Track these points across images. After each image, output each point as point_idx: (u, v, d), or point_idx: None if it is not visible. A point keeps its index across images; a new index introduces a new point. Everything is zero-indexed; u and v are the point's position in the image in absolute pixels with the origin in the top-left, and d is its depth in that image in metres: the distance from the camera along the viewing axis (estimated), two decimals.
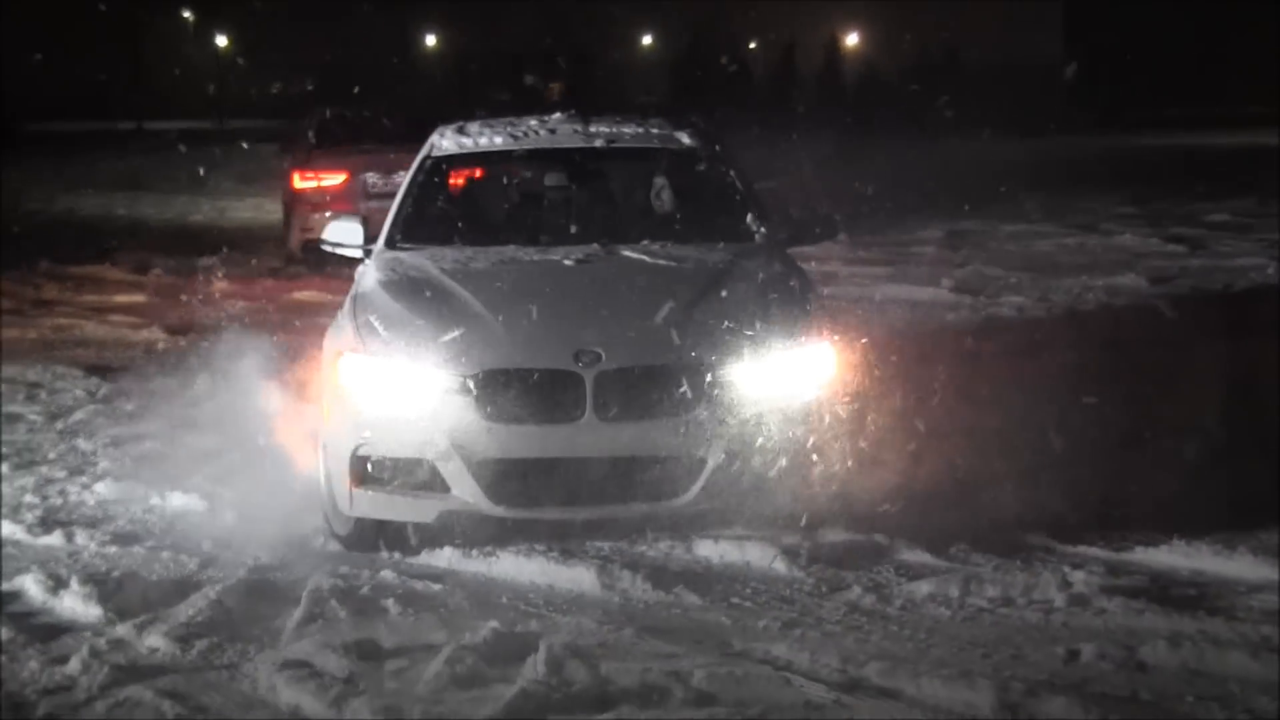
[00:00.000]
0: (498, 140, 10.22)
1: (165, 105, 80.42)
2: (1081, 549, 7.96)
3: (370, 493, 8.05)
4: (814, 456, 7.81)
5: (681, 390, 7.77)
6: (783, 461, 7.78)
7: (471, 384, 7.81)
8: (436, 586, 7.61)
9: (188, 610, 7.22)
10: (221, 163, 38.14)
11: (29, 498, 9.38)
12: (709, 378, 7.79)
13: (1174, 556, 7.82)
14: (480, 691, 6.26)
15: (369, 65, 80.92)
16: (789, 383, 7.89)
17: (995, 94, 63.08)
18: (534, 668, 6.34)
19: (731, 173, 9.99)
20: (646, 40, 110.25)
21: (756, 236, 9.45)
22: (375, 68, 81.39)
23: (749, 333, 7.93)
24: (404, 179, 10.05)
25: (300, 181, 21.20)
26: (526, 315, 8.11)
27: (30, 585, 7.69)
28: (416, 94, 74.66)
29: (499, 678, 6.36)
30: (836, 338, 8.20)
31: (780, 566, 7.77)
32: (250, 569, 7.91)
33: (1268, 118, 52.56)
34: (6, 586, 7.77)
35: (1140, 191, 29.58)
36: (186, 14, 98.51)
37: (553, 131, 10.27)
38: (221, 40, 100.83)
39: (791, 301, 8.44)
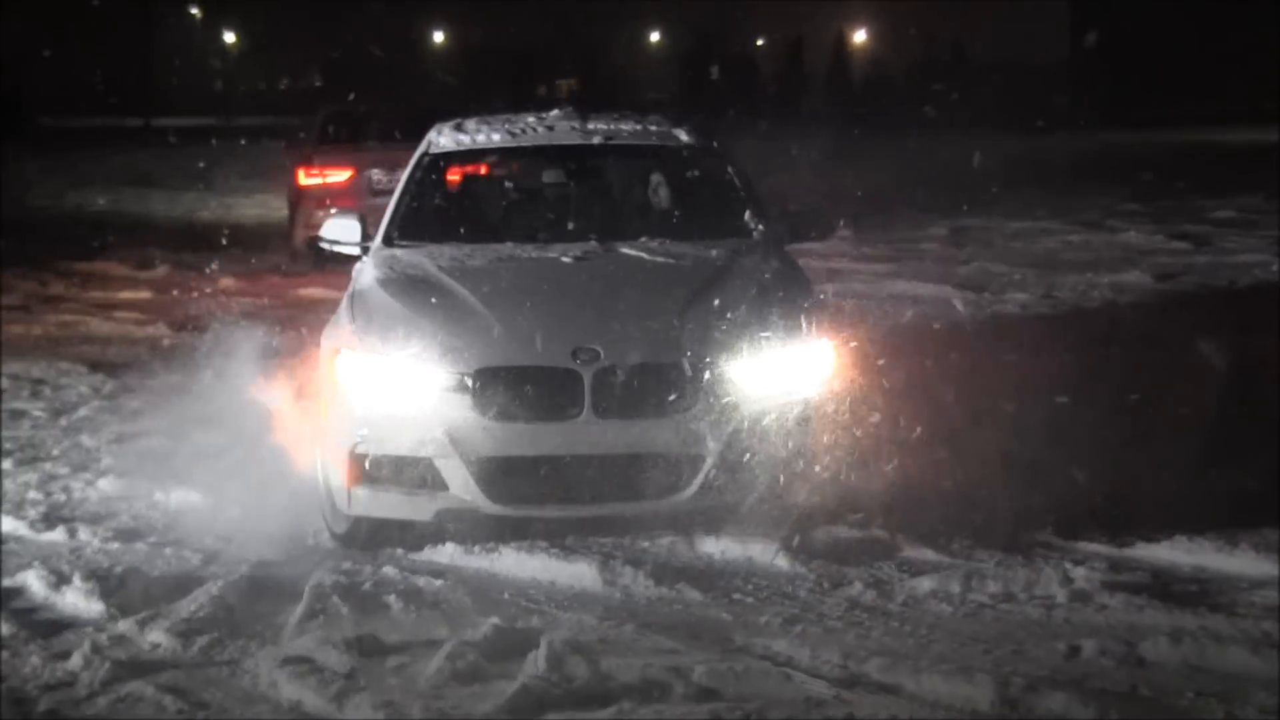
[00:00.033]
0: (495, 137, 10.22)
1: (173, 101, 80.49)
2: (1083, 545, 7.96)
3: (368, 491, 8.04)
4: (813, 454, 7.82)
5: (680, 388, 7.77)
6: (781, 459, 7.78)
7: (469, 382, 7.81)
8: (438, 582, 7.60)
9: (189, 606, 7.23)
10: (229, 159, 38.22)
11: (32, 494, 9.39)
12: (707, 375, 7.79)
13: (1176, 553, 7.83)
14: (481, 687, 6.28)
15: (377, 62, 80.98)
16: (787, 380, 7.89)
17: (1001, 91, 63.01)
18: (535, 663, 6.35)
19: (729, 170, 9.98)
20: (654, 38, 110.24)
21: (754, 234, 9.43)
22: (383, 64, 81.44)
23: (747, 330, 7.92)
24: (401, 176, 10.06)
25: (305, 178, 21.21)
26: (524, 313, 8.11)
27: (33, 581, 7.70)
28: (425, 91, 74.72)
29: (500, 673, 6.37)
30: (836, 334, 8.20)
31: (782, 562, 7.77)
32: (253, 565, 7.92)
33: (1273, 114, 52.44)
34: (9, 582, 7.79)
35: (1145, 188, 29.52)
36: (194, 10, 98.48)
37: (550, 128, 10.25)
38: (229, 37, 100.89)
39: (790, 299, 8.41)
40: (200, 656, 6.75)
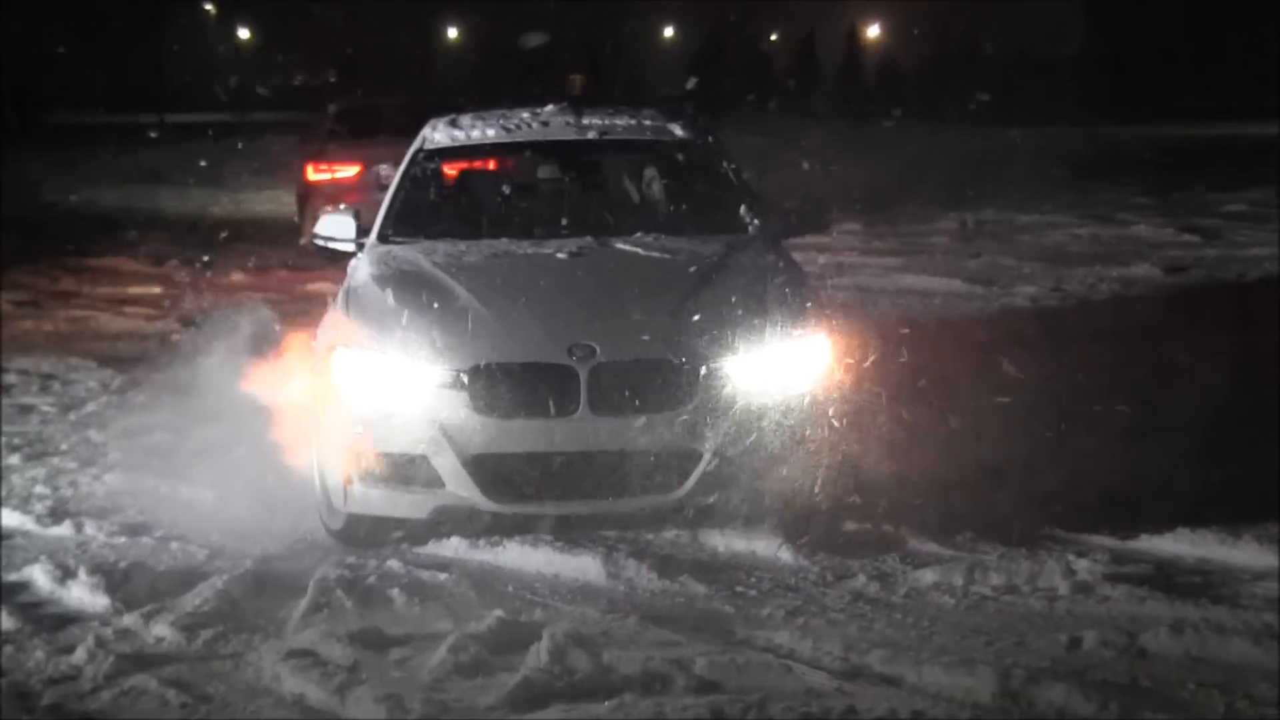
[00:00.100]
0: (490, 133, 10.19)
1: (186, 98, 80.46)
2: (1087, 537, 7.96)
3: (364, 489, 8.02)
4: (811, 449, 7.80)
5: (676, 384, 7.74)
6: (778, 454, 7.77)
7: (465, 378, 7.78)
8: (442, 576, 7.61)
9: (194, 600, 7.26)
10: (241, 155, 38.23)
11: (39, 489, 9.41)
12: (703, 371, 7.75)
13: (1179, 544, 7.82)
14: (484, 680, 6.29)
15: (390, 57, 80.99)
16: (784, 375, 7.85)
17: (1013, 84, 62.96)
18: (537, 656, 6.35)
19: (725, 164, 9.95)
20: (668, 33, 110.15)
21: (750, 228, 9.39)
22: (397, 60, 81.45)
23: (743, 325, 7.89)
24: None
25: (314, 174, 21.23)
26: (520, 309, 8.10)
27: (38, 575, 7.72)
28: (441, 86, 74.67)
29: (502, 666, 6.39)
30: (836, 328, 8.19)
31: (786, 555, 7.77)
32: (258, 559, 7.94)
33: None
34: (15, 577, 7.82)
35: (1156, 182, 29.53)
36: (208, 6, 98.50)
37: (545, 124, 10.23)
38: (243, 33, 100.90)
39: (786, 293, 8.37)
40: (204, 650, 6.77)
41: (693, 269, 8.55)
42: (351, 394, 8.06)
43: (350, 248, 9.47)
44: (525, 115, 10.33)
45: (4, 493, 9.33)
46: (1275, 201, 25.23)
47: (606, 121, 10.20)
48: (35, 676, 6.53)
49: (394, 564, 7.79)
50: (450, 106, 12.02)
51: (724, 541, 7.99)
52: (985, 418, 9.68)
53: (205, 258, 20.54)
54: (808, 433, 7.78)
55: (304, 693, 6.28)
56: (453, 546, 8.08)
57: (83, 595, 7.45)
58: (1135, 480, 8.72)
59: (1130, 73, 75.70)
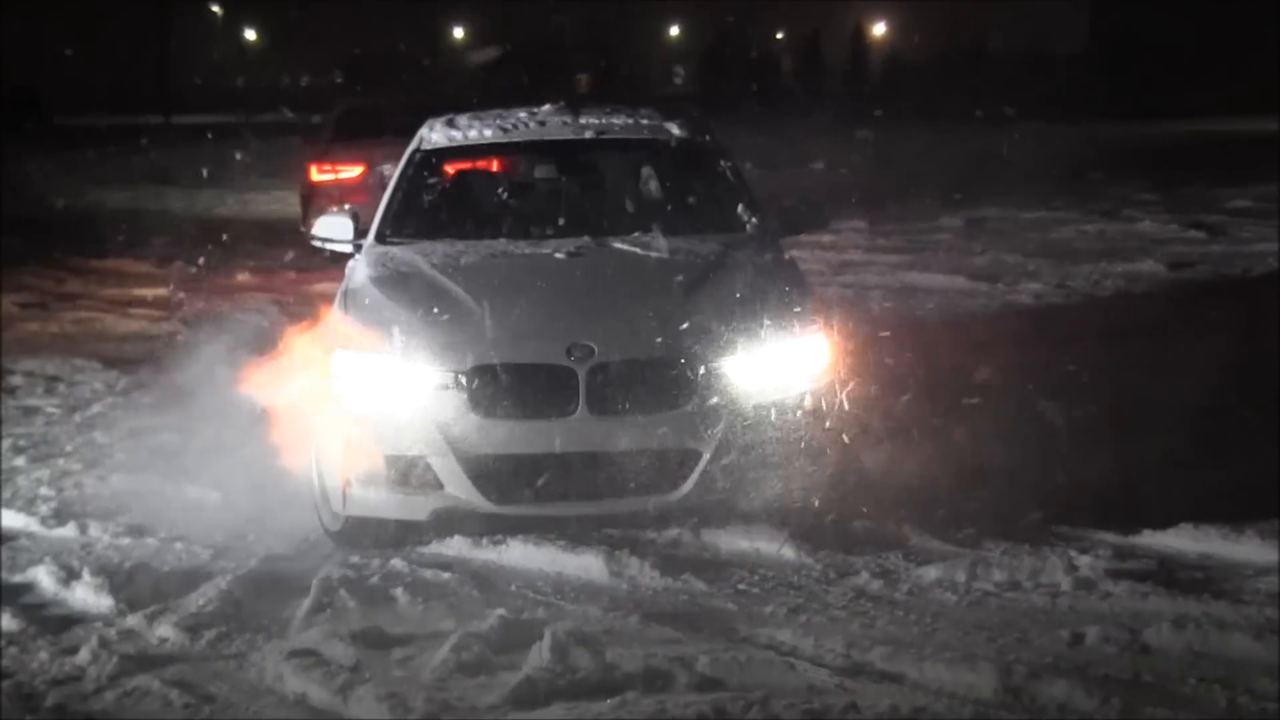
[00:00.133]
0: (487, 133, 10.18)
1: (193, 99, 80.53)
2: (1089, 533, 7.96)
3: (362, 491, 8.00)
4: (810, 447, 7.80)
5: (674, 384, 7.73)
6: (778, 453, 7.76)
7: (463, 380, 7.76)
8: (446, 575, 7.63)
9: (198, 600, 7.28)
10: (248, 156, 38.18)
11: (44, 490, 9.42)
12: (702, 370, 7.73)
13: (1181, 540, 7.82)
14: (486, 678, 6.31)
15: (398, 59, 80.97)
16: (782, 373, 7.84)
17: (1019, 83, 62.91)
18: (539, 654, 6.36)
19: (722, 163, 9.93)
20: (674, 31, 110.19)
21: (748, 227, 9.38)
22: (404, 60, 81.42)
23: (742, 324, 7.87)
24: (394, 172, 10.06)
25: (318, 174, 21.21)
26: (518, 309, 8.07)
27: (43, 577, 7.75)
28: (447, 87, 74.63)
29: (505, 665, 6.41)
30: (837, 326, 8.20)
31: (788, 553, 7.78)
32: (262, 559, 7.97)
33: None
34: (19, 578, 7.84)
35: (1162, 178, 29.50)
36: (215, 8, 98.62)
37: (542, 124, 10.21)
38: (250, 34, 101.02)
39: (784, 292, 8.35)
40: (207, 650, 6.80)
41: (691, 268, 8.52)
42: (349, 396, 8.04)
43: (348, 249, 9.46)
44: (522, 115, 10.30)
45: (9, 494, 9.35)
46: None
47: (604, 121, 10.17)
48: (39, 677, 6.55)
49: (397, 563, 7.80)
50: (453, 106, 12.00)
51: (726, 539, 8.00)
52: (986, 415, 9.68)
53: (211, 259, 20.55)
54: (807, 431, 7.77)
55: (306, 692, 6.30)
56: (456, 546, 8.09)
57: (87, 596, 7.47)
58: (1138, 475, 8.71)
59: (1135, 70, 75.59)
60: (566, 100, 10.57)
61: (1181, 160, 34.63)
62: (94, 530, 8.60)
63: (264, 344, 11.08)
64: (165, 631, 6.94)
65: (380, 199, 9.97)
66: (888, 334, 9.66)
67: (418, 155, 10.09)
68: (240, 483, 9.13)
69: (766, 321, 7.92)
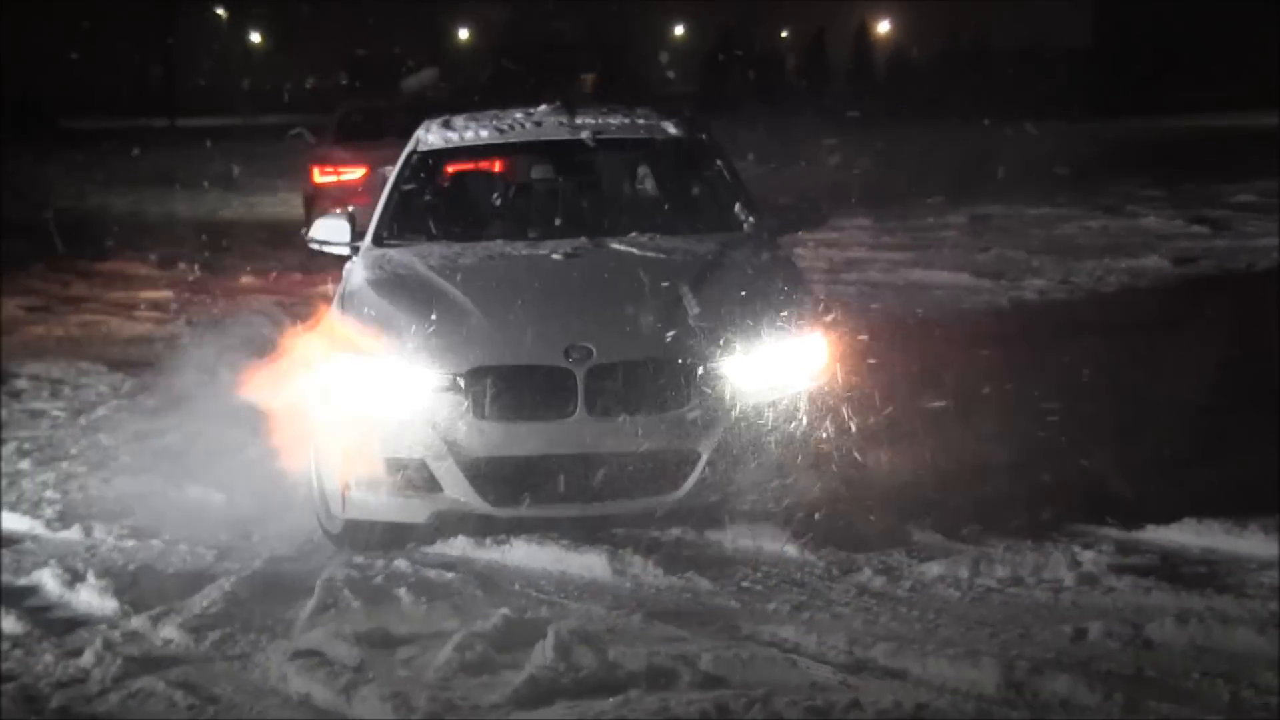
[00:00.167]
0: (483, 134, 10.15)
1: (198, 101, 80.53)
2: (1093, 528, 7.95)
3: (361, 494, 7.98)
4: (810, 446, 7.78)
5: (673, 384, 7.69)
6: (778, 453, 7.75)
7: (461, 382, 7.74)
8: (450, 575, 7.64)
9: (202, 602, 7.29)
10: (253, 158, 38.21)
11: (49, 493, 9.43)
12: (701, 371, 7.70)
13: (1185, 535, 7.82)
14: (489, 678, 6.31)
15: (402, 61, 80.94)
16: (782, 373, 7.81)
17: (1023, 80, 62.86)
18: (543, 653, 6.36)
19: (719, 162, 9.91)
20: (678, 31, 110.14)
21: (745, 226, 9.37)
22: (408, 63, 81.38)
23: (740, 324, 7.84)
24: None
25: (320, 176, 21.22)
26: (516, 311, 8.03)
27: (47, 579, 7.75)
28: (453, 86, 74.59)
29: (508, 664, 6.41)
30: (838, 324, 8.19)
31: (791, 550, 7.78)
32: (266, 560, 7.98)
33: None
34: (24, 581, 7.85)
35: (1165, 173, 29.46)
36: (220, 10, 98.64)
37: (538, 124, 10.18)
38: (255, 36, 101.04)
39: (782, 291, 8.32)
40: (211, 652, 6.80)
41: (689, 268, 8.47)
42: (347, 399, 8.02)
43: (345, 251, 9.45)
44: (519, 115, 10.27)
45: (14, 498, 9.36)
46: None
47: (600, 121, 10.15)
48: (44, 679, 6.55)
49: (401, 563, 7.81)
50: (455, 106, 12.00)
51: (729, 537, 8.01)
52: (988, 411, 9.67)
53: (216, 261, 20.58)
54: (807, 430, 7.75)
55: (310, 693, 6.31)
56: (460, 546, 8.09)
57: (91, 598, 7.47)
58: (1141, 470, 8.70)
59: (1138, 67, 75.51)
60: (563, 100, 10.55)
61: (1184, 156, 34.57)
62: (98, 533, 8.61)
63: (268, 346, 11.11)
64: (169, 633, 6.95)
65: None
66: (888, 331, 9.64)
67: (414, 157, 10.07)
68: (244, 484, 9.15)
69: (765, 321, 7.89)
